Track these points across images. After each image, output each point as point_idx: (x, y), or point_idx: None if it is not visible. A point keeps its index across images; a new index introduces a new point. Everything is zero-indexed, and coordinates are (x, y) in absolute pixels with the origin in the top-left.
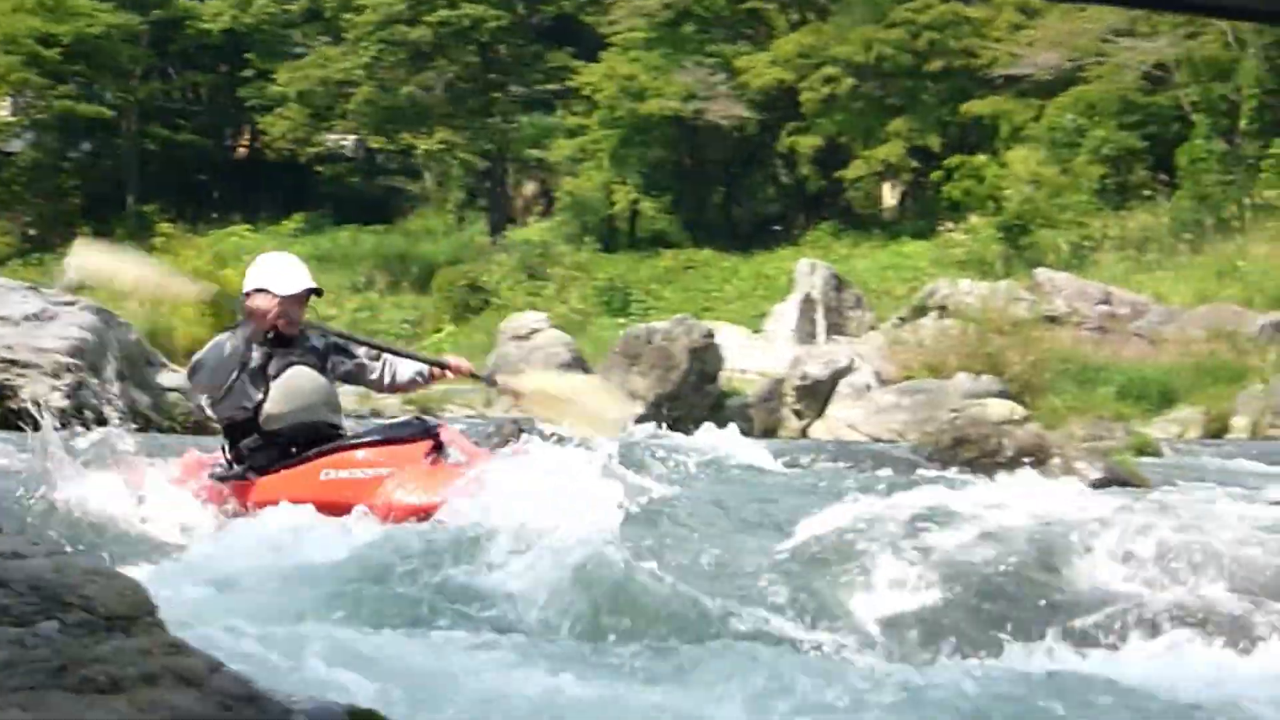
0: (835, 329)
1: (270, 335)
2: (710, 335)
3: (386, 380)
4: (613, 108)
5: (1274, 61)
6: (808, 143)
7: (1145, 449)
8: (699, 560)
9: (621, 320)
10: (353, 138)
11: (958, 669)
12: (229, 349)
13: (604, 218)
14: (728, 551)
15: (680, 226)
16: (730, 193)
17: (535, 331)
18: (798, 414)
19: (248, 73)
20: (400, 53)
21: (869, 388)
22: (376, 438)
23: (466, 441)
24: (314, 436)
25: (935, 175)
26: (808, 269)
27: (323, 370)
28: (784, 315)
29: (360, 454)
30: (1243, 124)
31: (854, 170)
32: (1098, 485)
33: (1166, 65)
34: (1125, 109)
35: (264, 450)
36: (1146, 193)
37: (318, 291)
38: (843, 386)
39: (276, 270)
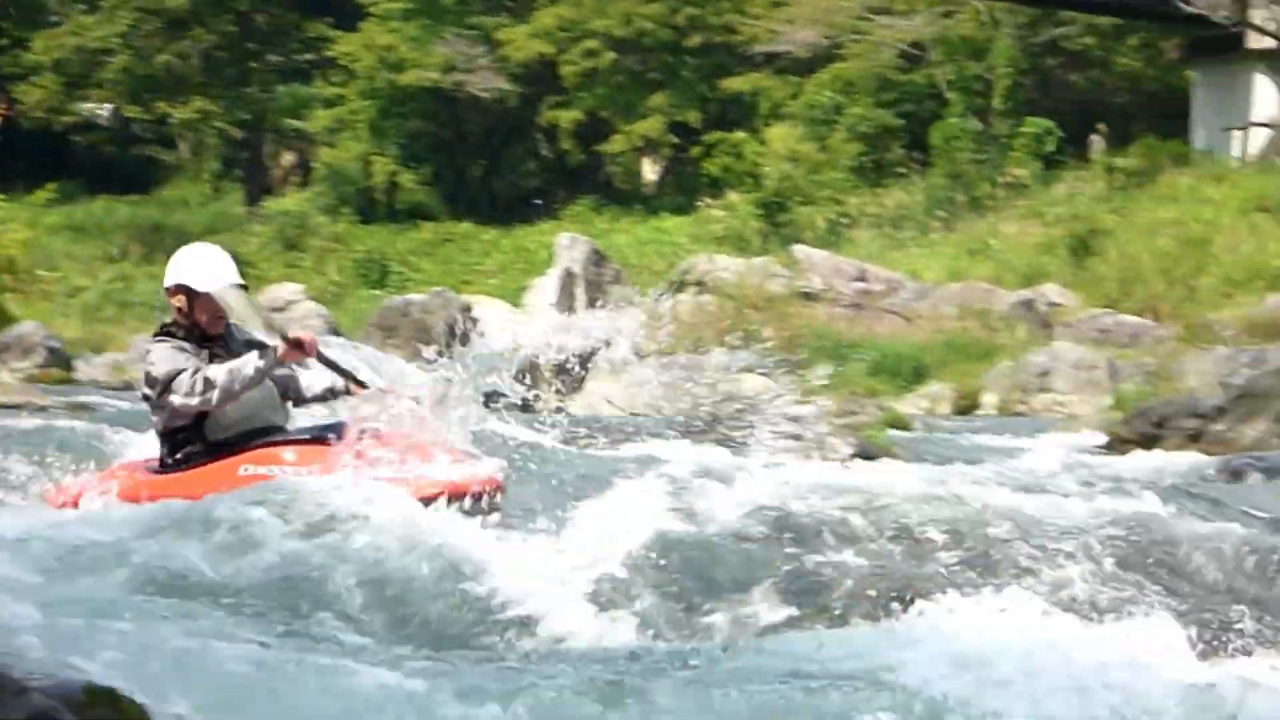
0: (595, 303)
1: (199, 335)
2: (469, 308)
3: (297, 390)
4: (371, 78)
5: (1026, 41)
6: (568, 116)
7: (896, 424)
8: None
9: (379, 292)
10: (108, 106)
11: (697, 647)
12: (185, 356)
13: (362, 189)
14: (510, 543)
15: (439, 199)
16: (490, 166)
17: (291, 303)
18: (555, 389)
19: (3, 41)
20: (156, 21)
21: (627, 363)
22: (305, 436)
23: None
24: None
25: (695, 151)
26: (568, 243)
27: None
28: (543, 289)
29: (286, 452)
30: (995, 103)
31: (614, 145)
32: (849, 460)
33: (923, 44)
34: (882, 87)
35: (206, 456)
36: (902, 170)
37: (243, 287)
38: (600, 361)
39: (196, 265)
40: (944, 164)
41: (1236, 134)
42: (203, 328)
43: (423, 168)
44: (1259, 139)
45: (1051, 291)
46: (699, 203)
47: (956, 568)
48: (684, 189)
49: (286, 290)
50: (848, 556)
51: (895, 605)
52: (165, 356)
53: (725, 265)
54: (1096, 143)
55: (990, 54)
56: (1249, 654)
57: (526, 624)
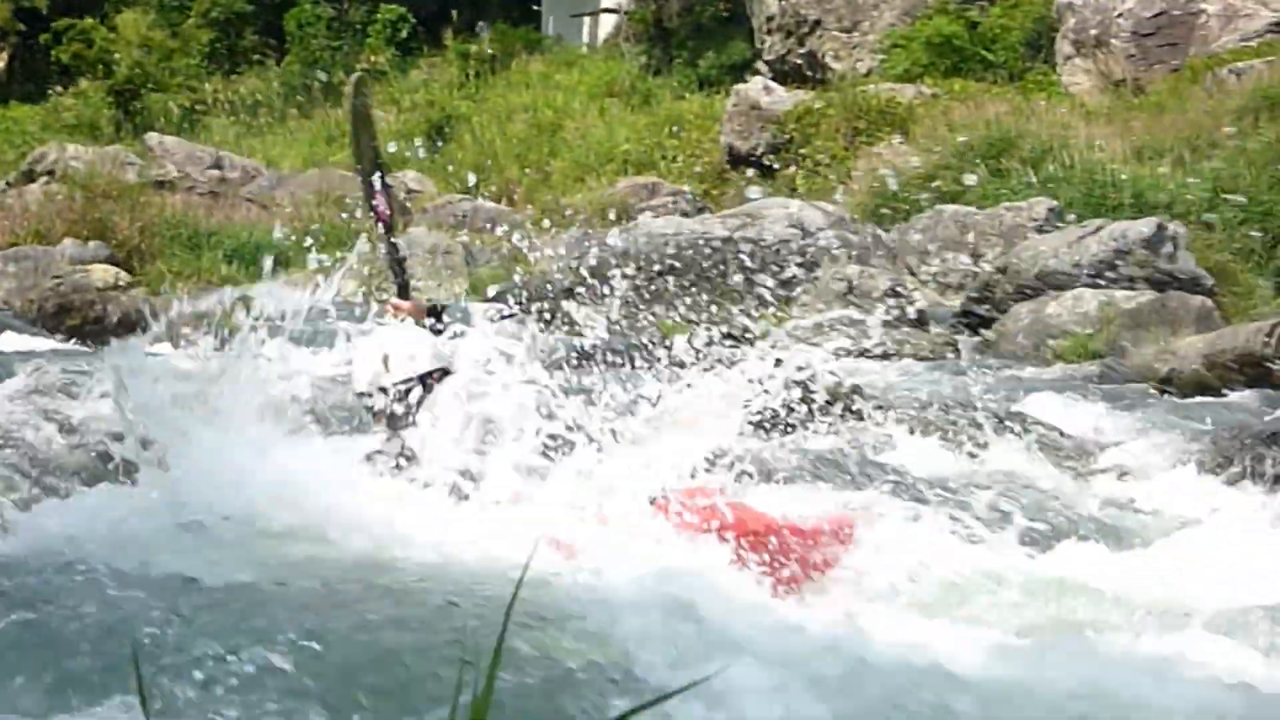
0: None
1: None
2: None
3: None
4: None
5: None
6: None
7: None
8: None
9: None
10: None
11: None
12: None
13: None
14: None
15: None
16: None
17: None
18: None
19: None
20: None
21: None
22: None
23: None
24: None
25: (44, 38)
26: None
27: None
28: None
29: None
30: None
31: None
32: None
33: None
34: None
35: None
36: (257, 57)
37: None
38: None
39: None
40: (299, 51)
41: (586, 20)
42: None
43: None
44: (607, 25)
45: (410, 178)
46: (50, 91)
47: None
48: (33, 77)
49: None
50: None
51: None
52: None
53: (76, 154)
54: (481, 28)
55: None
56: None
57: None
